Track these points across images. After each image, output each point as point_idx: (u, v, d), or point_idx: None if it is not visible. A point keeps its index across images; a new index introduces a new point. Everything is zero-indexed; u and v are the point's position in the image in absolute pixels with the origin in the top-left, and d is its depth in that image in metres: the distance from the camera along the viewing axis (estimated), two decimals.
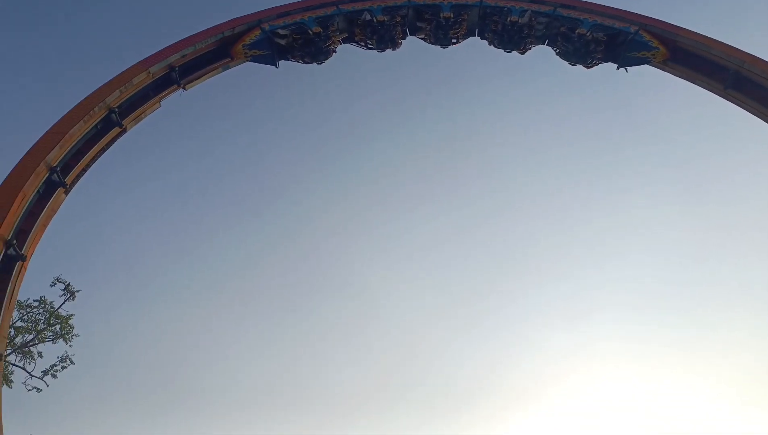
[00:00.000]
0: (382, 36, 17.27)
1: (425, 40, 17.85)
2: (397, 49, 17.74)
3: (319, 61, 17.21)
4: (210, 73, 15.81)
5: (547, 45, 17.37)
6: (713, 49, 15.39)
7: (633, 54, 16.23)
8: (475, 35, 17.91)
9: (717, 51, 15.36)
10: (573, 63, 16.97)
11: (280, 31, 16.26)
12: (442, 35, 17.43)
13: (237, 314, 43.76)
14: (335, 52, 17.39)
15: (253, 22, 16.02)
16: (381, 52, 17.71)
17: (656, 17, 16.32)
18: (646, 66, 16.50)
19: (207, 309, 42.63)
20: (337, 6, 16.79)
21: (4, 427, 13.40)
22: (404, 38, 17.82)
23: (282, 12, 16.37)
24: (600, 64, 16.83)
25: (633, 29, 15.94)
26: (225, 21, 15.82)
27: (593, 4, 16.50)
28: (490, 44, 17.84)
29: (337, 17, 16.87)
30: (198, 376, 40.71)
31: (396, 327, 43.64)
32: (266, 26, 16.06)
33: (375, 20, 16.88)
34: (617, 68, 16.74)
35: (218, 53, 15.80)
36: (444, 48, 17.86)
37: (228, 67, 16.16)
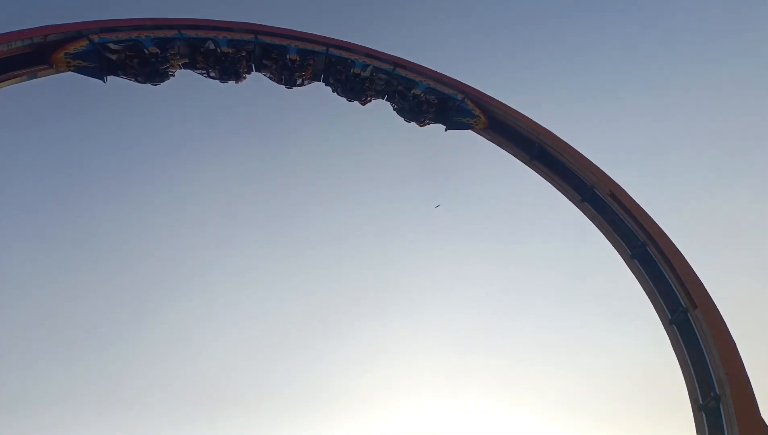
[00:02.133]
0: (225, 67, 16.94)
1: (270, 78, 17.89)
2: (240, 83, 17.49)
3: (154, 83, 16.26)
4: (11, 80, 13.91)
5: (386, 100, 18.52)
6: (519, 121, 17.48)
7: (459, 119, 18.01)
8: (320, 80, 18.46)
9: (522, 123, 17.46)
10: (407, 120, 18.28)
11: (112, 46, 15.08)
12: (288, 76, 17.65)
13: None
14: (173, 75, 16.57)
15: (71, 33, 14.69)
16: (223, 82, 17.29)
17: (488, 85, 18.42)
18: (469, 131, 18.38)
19: None
20: (179, 30, 16.10)
21: None
22: (249, 73, 17.66)
23: (107, 27, 15.27)
24: (431, 124, 18.35)
25: (459, 97, 17.73)
26: (38, 27, 14.17)
27: (426, 68, 18.09)
28: (333, 91, 18.48)
29: (178, 41, 16.15)
30: None
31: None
32: (95, 38, 14.76)
33: (219, 51, 16.51)
34: (445, 130, 18.41)
35: (30, 59, 14.07)
36: (288, 88, 18.06)
37: (36, 76, 14.42)
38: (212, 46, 16.44)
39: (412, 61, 17.95)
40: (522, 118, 17.46)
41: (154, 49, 15.48)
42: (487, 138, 18.23)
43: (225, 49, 16.46)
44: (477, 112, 17.80)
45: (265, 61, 17.52)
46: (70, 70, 14.77)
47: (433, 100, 17.68)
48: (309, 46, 17.53)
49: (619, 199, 15.20)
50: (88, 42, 14.67)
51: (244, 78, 17.45)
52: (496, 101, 17.89)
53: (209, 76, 17.12)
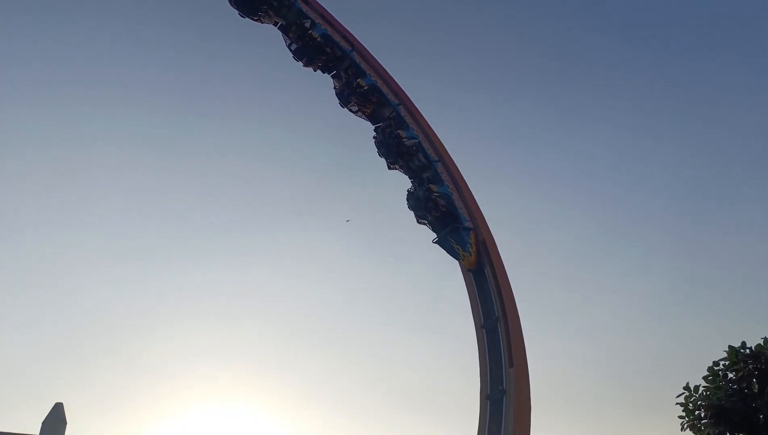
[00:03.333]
0: (305, 49, 17.75)
1: (334, 87, 18.13)
2: (306, 68, 18.17)
3: (250, 16, 17.45)
4: None
5: (410, 177, 17.82)
6: (502, 294, 16.01)
7: (453, 242, 16.82)
8: (373, 124, 18.28)
9: (503, 299, 15.99)
10: (409, 207, 17.39)
11: None
12: (347, 95, 17.97)
13: None
14: (262, 23, 17.56)
15: None
16: (295, 59, 17.92)
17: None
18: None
19: None
20: None
21: None
22: (319, 68, 18.07)
23: None
24: (426, 227, 17.29)
25: (468, 224, 16.63)
26: None
27: (460, 176, 17.24)
28: (376, 144, 18.10)
29: (288, 3, 17.32)
30: None
31: None
32: None
33: (310, 33, 17.36)
34: (433, 240, 17.26)
35: None
36: (341, 105, 18.28)
37: None
38: (308, 25, 16.97)
39: (454, 163, 17.25)
40: (507, 295, 16.02)
41: None
42: (463, 275, 16.84)
43: (315, 34, 16.91)
44: (473, 250, 16.59)
45: (340, 71, 17.74)
46: None
47: (442, 207, 16.76)
48: (384, 89, 17.53)
49: None
50: None
51: (314, 69, 17.75)
52: (500, 263, 16.52)
53: (288, 47, 17.60)
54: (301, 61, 17.47)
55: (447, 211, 16.83)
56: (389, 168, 17.97)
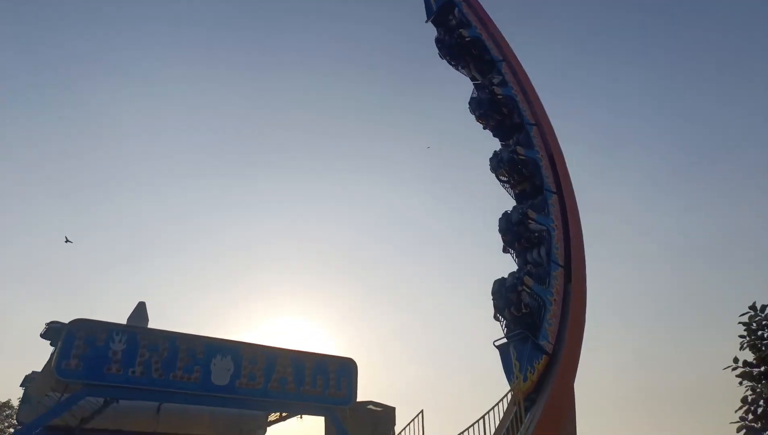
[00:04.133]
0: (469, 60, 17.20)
1: (488, 124, 16.56)
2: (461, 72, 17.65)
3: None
4: None
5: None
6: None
7: (514, 356, 12.69)
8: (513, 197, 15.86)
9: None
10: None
11: None
12: (501, 135, 16.25)
13: None
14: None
15: None
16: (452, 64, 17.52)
17: None
18: None
19: None
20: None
21: None
22: (483, 93, 16.60)
23: None
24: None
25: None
26: None
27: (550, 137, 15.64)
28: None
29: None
30: None
31: None
32: None
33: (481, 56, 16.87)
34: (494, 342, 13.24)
35: None
36: (493, 133, 16.52)
37: None
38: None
39: (551, 127, 15.81)
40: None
41: None
42: None
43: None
44: (533, 376, 11.95)
45: (503, 107, 15.89)
46: None
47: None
48: (488, 43, 16.59)
49: None
50: None
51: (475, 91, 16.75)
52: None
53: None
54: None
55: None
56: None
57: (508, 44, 17.18)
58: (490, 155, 16.22)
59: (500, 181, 15.94)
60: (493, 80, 16.16)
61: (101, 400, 7.19)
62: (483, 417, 10.16)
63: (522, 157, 14.95)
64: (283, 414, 8.85)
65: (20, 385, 8.34)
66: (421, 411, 12.25)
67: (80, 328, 6.39)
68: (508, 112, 15.99)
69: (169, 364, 6.87)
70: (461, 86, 18.01)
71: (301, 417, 8.27)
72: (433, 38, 17.79)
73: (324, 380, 8.07)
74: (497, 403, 10.87)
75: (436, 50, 17.79)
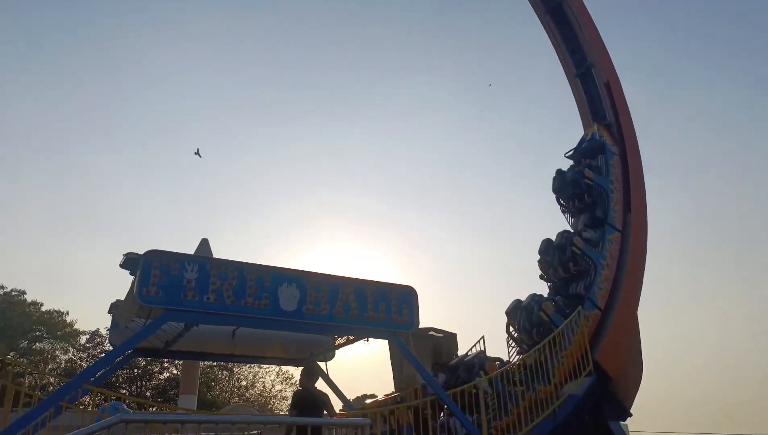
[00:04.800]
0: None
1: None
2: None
3: None
4: None
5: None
6: None
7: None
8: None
9: None
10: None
11: None
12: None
13: None
14: None
15: None
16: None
17: None
18: None
19: None
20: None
21: None
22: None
23: None
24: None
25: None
26: None
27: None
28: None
29: None
30: None
31: None
32: None
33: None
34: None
35: None
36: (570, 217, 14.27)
37: None
38: None
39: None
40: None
41: None
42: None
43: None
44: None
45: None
46: None
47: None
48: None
49: None
50: None
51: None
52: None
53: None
54: None
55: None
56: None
57: None
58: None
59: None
60: None
61: (182, 324, 7.74)
62: (546, 342, 10.22)
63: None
64: (350, 338, 9.23)
65: (108, 312, 9.08)
66: (482, 337, 12.46)
67: (155, 258, 6.80)
68: None
69: (240, 291, 7.23)
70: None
71: (367, 340, 8.60)
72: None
73: (386, 307, 8.29)
74: (564, 324, 10.87)
75: None
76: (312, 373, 7.47)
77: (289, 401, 7.34)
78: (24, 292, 32.35)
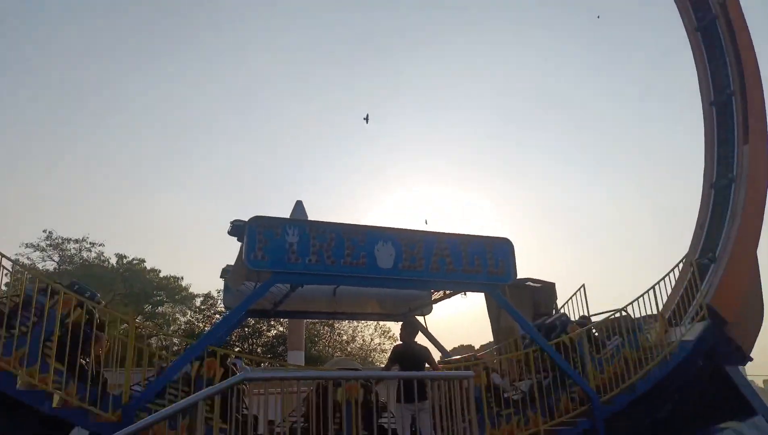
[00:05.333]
0: None
1: None
2: None
3: None
4: None
5: None
6: None
7: None
8: None
9: None
10: None
11: None
12: None
13: None
14: None
15: None
16: None
17: None
18: None
19: None
20: None
21: None
22: None
23: None
24: None
25: None
26: None
27: None
28: None
29: None
30: None
31: None
32: None
33: None
34: None
35: None
36: None
37: None
38: None
39: None
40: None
41: None
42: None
43: None
44: None
45: None
46: None
47: None
48: None
49: None
50: None
51: None
52: None
53: None
54: None
55: None
56: None
57: None
58: None
59: None
60: None
61: (287, 286, 8.19)
62: (654, 286, 9.75)
63: None
64: (446, 292, 9.33)
65: (220, 277, 9.79)
66: (582, 285, 12.09)
67: (259, 224, 7.19)
68: None
69: (338, 252, 7.50)
70: None
71: (465, 294, 8.65)
72: None
73: (482, 260, 8.25)
74: (669, 272, 10.31)
75: None
76: (412, 328, 7.65)
77: (388, 355, 7.57)
78: (144, 260, 35.59)
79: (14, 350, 6.31)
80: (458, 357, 9.67)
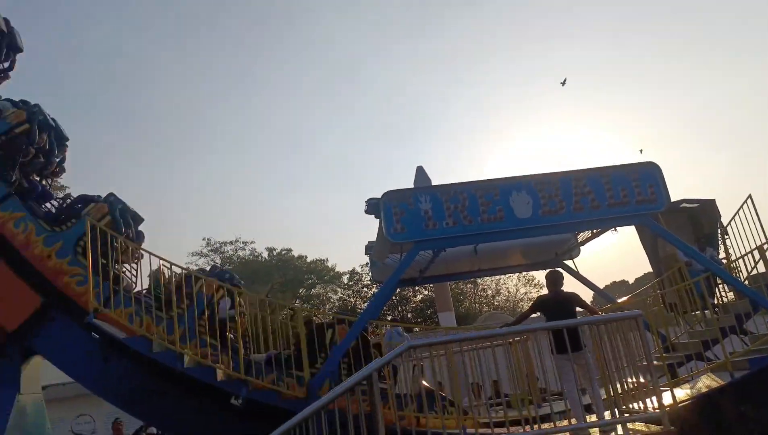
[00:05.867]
0: None
1: None
2: None
3: None
4: None
5: None
6: None
7: None
8: None
9: None
10: None
11: None
12: None
13: None
14: None
15: None
16: None
17: None
18: None
19: None
20: None
21: None
22: None
23: None
24: None
25: None
26: None
27: None
28: None
29: None
30: None
31: None
32: None
33: None
34: None
35: None
36: None
37: None
38: None
39: None
40: None
41: None
42: None
43: None
44: None
45: None
46: None
47: None
48: None
49: None
50: None
51: None
52: None
53: None
54: None
55: None
56: None
57: None
58: None
59: None
60: None
61: (430, 252, 8.34)
62: None
63: None
64: (594, 231, 8.87)
65: (364, 253, 10.25)
66: (749, 196, 10.80)
67: (392, 198, 7.37)
68: None
69: (473, 210, 7.45)
70: None
71: (615, 230, 8.16)
72: None
73: (628, 190, 7.69)
74: None
75: None
76: (555, 279, 7.24)
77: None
78: (290, 250, 38.40)
79: (176, 329, 7.15)
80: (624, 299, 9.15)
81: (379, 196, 7.46)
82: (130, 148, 73.73)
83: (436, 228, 7.36)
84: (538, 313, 7.09)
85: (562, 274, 7.07)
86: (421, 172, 11.97)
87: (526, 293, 38.93)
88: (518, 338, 7.62)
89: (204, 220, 66.53)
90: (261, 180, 73.70)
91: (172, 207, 70.25)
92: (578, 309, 6.94)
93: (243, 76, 77.90)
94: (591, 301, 8.31)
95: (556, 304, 6.64)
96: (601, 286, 11.86)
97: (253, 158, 78.76)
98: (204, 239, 37.16)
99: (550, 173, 7.73)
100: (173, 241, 61.62)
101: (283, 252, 38.16)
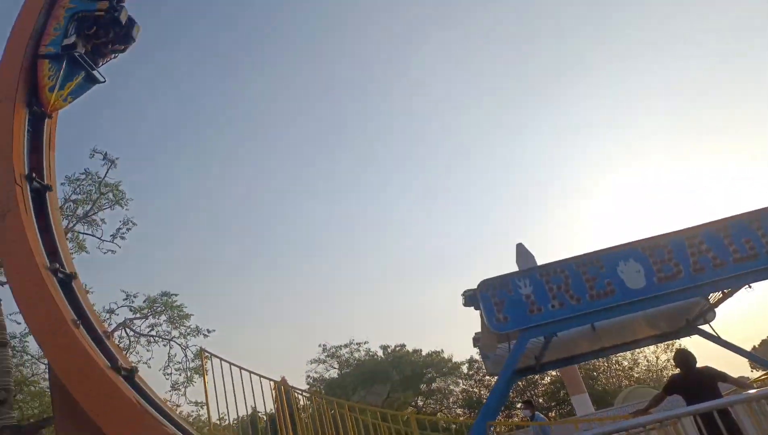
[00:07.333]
0: None
1: None
2: None
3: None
4: None
5: None
6: None
7: None
8: None
9: None
10: None
11: None
12: None
13: None
14: None
15: None
16: None
17: None
18: None
19: None
20: None
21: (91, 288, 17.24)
22: None
23: None
24: None
25: None
26: None
27: None
28: None
29: None
30: None
31: None
32: None
33: None
34: None
35: None
36: None
37: None
38: None
39: None
40: None
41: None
42: None
43: None
44: None
45: None
46: None
47: None
48: None
49: None
50: None
51: None
52: None
53: None
54: None
55: None
56: None
57: None
58: None
59: None
60: None
61: (541, 338, 7.83)
62: None
63: None
64: (724, 291, 7.90)
65: (473, 347, 9.83)
66: None
67: (488, 287, 7.11)
68: None
69: (579, 288, 6.98)
70: None
71: (749, 286, 7.22)
72: None
73: (753, 240, 6.86)
74: None
75: None
76: (685, 359, 6.49)
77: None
78: (404, 345, 37.94)
79: None
80: None
81: (475, 286, 7.24)
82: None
83: (541, 312, 6.94)
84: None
85: (691, 353, 6.29)
86: (522, 250, 11.52)
87: (668, 360, 34.98)
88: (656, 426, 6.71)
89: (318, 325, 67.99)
90: (365, 274, 74.59)
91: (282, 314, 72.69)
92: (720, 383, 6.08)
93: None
94: (739, 375, 7.26)
95: (697, 383, 5.90)
96: (748, 348, 10.35)
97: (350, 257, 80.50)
98: (320, 346, 37.89)
99: (658, 236, 7.14)
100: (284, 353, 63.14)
101: (397, 348, 37.80)
